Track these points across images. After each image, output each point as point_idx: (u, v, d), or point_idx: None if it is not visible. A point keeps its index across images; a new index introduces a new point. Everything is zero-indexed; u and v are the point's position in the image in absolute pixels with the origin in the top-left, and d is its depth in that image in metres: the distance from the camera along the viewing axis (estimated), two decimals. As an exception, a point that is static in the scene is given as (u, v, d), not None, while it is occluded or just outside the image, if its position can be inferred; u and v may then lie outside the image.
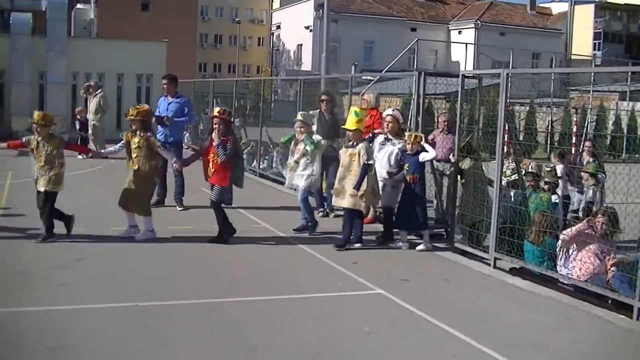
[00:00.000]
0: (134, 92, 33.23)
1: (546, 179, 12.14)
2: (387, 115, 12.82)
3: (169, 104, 15.06)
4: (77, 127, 24.79)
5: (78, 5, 46.36)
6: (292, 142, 12.98)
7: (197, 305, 8.53)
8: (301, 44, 76.22)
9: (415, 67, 53.78)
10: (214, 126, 11.68)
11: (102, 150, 13.63)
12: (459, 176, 12.05)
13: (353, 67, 44.43)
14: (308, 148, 12.48)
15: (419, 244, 11.94)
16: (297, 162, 12.70)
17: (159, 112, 15.02)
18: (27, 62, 30.97)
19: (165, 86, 15.20)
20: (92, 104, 24.44)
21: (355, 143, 11.74)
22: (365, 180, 11.48)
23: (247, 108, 28.50)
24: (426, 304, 8.78)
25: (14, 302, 8.35)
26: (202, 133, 27.55)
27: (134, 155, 11.60)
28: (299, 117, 12.97)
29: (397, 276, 10.15)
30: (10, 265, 9.89)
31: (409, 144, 11.87)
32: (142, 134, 11.58)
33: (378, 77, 22.38)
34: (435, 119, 18.73)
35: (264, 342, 7.36)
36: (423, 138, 12.00)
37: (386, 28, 72.43)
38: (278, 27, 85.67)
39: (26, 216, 12.83)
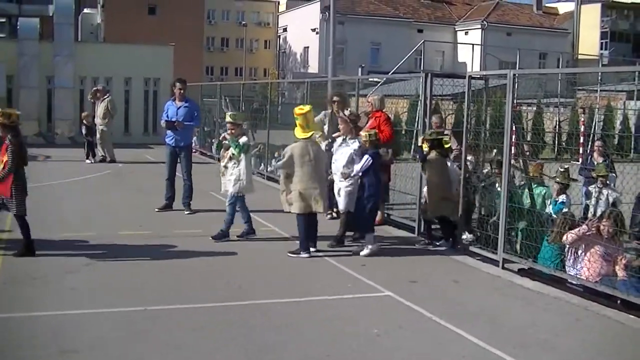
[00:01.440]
0: (142, 96, 33.32)
1: (557, 179, 12.12)
2: (340, 116, 12.76)
3: (178, 108, 15.04)
4: (84, 132, 24.82)
5: (85, 10, 46.48)
6: (223, 147, 12.70)
7: (206, 309, 8.56)
8: (308, 46, 76.27)
9: (422, 68, 53.80)
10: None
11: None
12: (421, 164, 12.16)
13: (360, 69, 44.42)
14: (234, 151, 12.20)
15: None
16: (225, 167, 12.37)
17: (168, 116, 15.01)
18: (34, 67, 31.07)
19: (181, 90, 15.18)
20: (100, 109, 24.47)
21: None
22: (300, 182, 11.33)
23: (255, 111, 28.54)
24: (435, 305, 8.79)
25: (26, 306, 8.39)
26: (209, 136, 27.63)
27: None
28: (228, 117, 12.67)
29: (405, 278, 10.16)
30: (21, 270, 9.92)
31: (363, 142, 11.74)
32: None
33: (385, 78, 22.42)
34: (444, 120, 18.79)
35: (273, 345, 7.37)
36: (377, 137, 11.88)
37: (392, 29, 72.42)
38: (284, 29, 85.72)
39: (36, 222, 12.87)
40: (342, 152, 12.06)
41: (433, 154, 12.00)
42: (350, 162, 11.86)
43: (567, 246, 9.78)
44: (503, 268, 10.65)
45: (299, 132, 11.47)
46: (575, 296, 9.29)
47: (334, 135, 13.03)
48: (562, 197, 11.88)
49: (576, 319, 8.52)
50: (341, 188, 11.94)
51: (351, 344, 7.46)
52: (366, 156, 11.50)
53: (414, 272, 10.56)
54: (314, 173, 11.41)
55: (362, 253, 11.47)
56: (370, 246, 11.52)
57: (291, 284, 9.81)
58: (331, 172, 12.34)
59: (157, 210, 14.36)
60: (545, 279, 9.96)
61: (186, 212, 14.63)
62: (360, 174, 11.54)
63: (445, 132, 13.26)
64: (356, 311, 8.68)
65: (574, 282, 9.61)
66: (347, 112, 13.01)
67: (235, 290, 9.40)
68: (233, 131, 12.33)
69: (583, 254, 9.58)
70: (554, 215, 11.41)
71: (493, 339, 7.61)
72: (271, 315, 8.35)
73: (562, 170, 12.09)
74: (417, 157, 12.09)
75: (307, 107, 11.80)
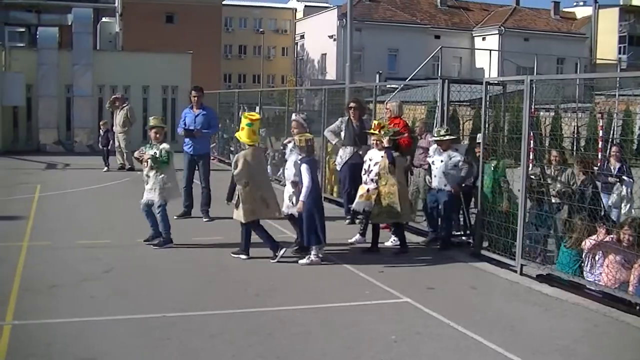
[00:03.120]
0: (160, 104, 33.44)
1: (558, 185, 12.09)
2: (292, 120, 12.61)
3: (195, 116, 15.07)
4: (100, 140, 24.91)
5: (103, 19, 46.63)
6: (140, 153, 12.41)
7: (224, 316, 8.58)
8: (325, 53, 76.31)
9: (439, 74, 53.76)
10: None
11: None
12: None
13: (377, 76, 44.40)
14: (153, 160, 12.01)
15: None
16: (147, 175, 12.17)
17: (186, 124, 15.04)
18: (53, 76, 31.29)
19: (196, 98, 15.21)
20: (119, 117, 24.56)
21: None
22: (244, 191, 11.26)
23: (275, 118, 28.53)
24: (453, 311, 8.78)
25: (43, 314, 8.44)
26: (227, 143, 27.66)
27: None
28: (152, 121, 12.50)
29: (423, 284, 10.15)
30: (40, 277, 9.99)
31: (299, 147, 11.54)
32: None
33: (402, 85, 22.34)
34: (461, 126, 18.76)
35: (291, 352, 7.39)
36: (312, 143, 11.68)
37: (410, 36, 72.33)
38: (302, 36, 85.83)
39: (54, 229, 12.97)
40: (292, 159, 11.98)
41: (397, 155, 11.93)
42: (293, 169, 11.83)
43: (585, 252, 9.74)
44: (521, 274, 10.62)
45: (250, 138, 11.44)
46: (594, 302, 9.25)
47: (284, 142, 12.93)
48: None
49: (595, 325, 8.49)
50: (292, 195, 11.81)
51: (369, 350, 7.46)
52: (304, 165, 11.30)
53: (431, 278, 10.55)
54: (267, 178, 11.73)
55: (300, 262, 11.31)
56: (312, 257, 11.34)
57: (309, 291, 9.83)
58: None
59: (175, 217, 14.43)
60: (564, 285, 9.92)
61: (204, 220, 14.66)
62: (309, 185, 11.27)
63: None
64: (374, 317, 8.67)
65: (592, 288, 9.57)
66: (297, 116, 12.75)
67: (252, 297, 9.42)
68: (158, 136, 12.26)
69: (601, 259, 9.54)
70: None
71: (512, 346, 7.59)
72: (289, 322, 8.38)
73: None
74: (387, 160, 11.83)
75: (258, 116, 12.09)
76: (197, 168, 15.05)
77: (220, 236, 12.87)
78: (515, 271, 10.72)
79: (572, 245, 10.10)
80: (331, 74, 71.71)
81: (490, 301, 9.51)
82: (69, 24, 37.48)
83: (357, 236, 12.85)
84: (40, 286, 9.58)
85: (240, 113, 24.17)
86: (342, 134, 14.58)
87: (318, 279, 10.41)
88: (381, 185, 11.83)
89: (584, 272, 9.81)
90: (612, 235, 9.53)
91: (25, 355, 7.10)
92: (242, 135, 11.49)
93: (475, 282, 10.37)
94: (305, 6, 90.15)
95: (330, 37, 73.18)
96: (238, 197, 11.36)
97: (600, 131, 25.68)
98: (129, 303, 9.01)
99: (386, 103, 15.72)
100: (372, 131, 12.27)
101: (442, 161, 12.31)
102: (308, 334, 7.99)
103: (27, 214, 14.71)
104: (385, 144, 11.86)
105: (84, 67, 31.67)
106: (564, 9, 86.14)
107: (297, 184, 11.60)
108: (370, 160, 12.20)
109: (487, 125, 12.04)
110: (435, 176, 12.43)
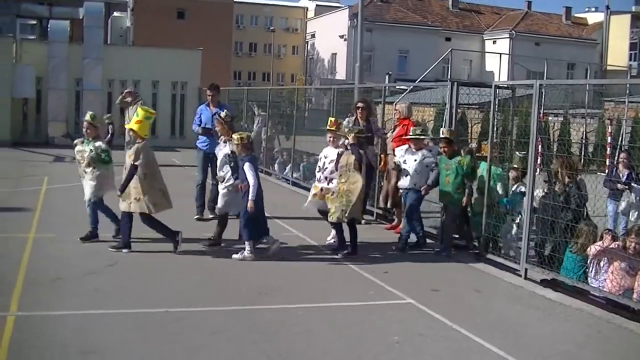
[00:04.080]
0: (169, 100, 33.46)
1: (514, 165, 12.11)
2: (215, 119, 12.54)
3: (212, 114, 14.80)
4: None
5: (115, 13, 46.74)
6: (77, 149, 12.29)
7: (227, 313, 8.60)
8: (335, 53, 76.33)
9: (449, 76, 53.77)
10: None
11: None
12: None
13: (387, 77, 44.51)
14: (92, 155, 11.87)
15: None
16: (85, 172, 12.06)
17: (203, 122, 14.87)
18: (64, 69, 31.33)
19: (212, 96, 15.13)
20: (132, 112, 24.48)
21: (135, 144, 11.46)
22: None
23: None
24: (456, 314, 8.78)
25: (47, 306, 8.47)
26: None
27: None
28: (87, 117, 12.36)
29: (427, 286, 10.15)
30: (44, 270, 10.02)
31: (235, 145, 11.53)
32: None
33: (412, 86, 22.38)
34: (469, 129, 18.73)
35: (293, 350, 7.41)
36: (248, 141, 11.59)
37: (420, 37, 72.33)
38: (313, 35, 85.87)
39: (59, 221, 13.00)
40: (221, 153, 12.01)
41: (360, 153, 11.79)
42: (224, 164, 11.84)
43: (590, 258, 9.72)
44: (525, 278, 10.60)
45: (146, 131, 11.48)
46: (597, 308, 9.23)
47: (218, 140, 12.68)
48: (521, 187, 11.80)
49: (597, 331, 8.48)
50: (219, 190, 11.91)
51: (371, 350, 7.47)
52: (246, 164, 11.26)
53: (436, 280, 10.55)
54: (159, 171, 11.60)
55: (234, 256, 11.29)
56: (246, 252, 11.30)
57: (313, 290, 9.84)
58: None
59: (196, 218, 14.37)
60: (568, 290, 9.91)
61: (210, 216, 14.60)
62: (248, 181, 11.23)
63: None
64: (377, 318, 8.68)
65: (596, 294, 9.55)
66: (222, 112, 12.70)
67: (256, 294, 9.43)
68: (89, 131, 12.14)
69: (606, 266, 9.52)
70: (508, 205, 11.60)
71: (514, 349, 7.59)
72: (292, 321, 8.40)
73: (520, 156, 12.00)
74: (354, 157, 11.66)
75: (154, 112, 12.17)
76: (210, 165, 14.87)
77: (224, 233, 12.87)
78: (520, 275, 10.70)
79: (577, 250, 10.08)
80: (341, 73, 71.73)
81: (493, 304, 9.51)
82: (80, 17, 37.58)
83: (332, 233, 12.56)
84: (44, 279, 9.61)
85: (254, 110, 24.21)
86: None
87: (323, 279, 10.42)
88: (340, 182, 11.66)
89: (589, 278, 9.79)
90: (617, 242, 9.52)
91: (28, 346, 7.13)
92: (139, 127, 11.40)
93: (480, 285, 10.36)
94: (317, 5, 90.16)
95: (341, 37, 73.20)
96: (131, 189, 11.24)
97: (609, 137, 25.65)
98: (132, 297, 9.02)
99: (395, 104, 15.73)
100: (329, 127, 12.27)
101: (415, 160, 12.30)
102: (310, 332, 8.00)
103: (33, 206, 14.75)
104: (351, 141, 11.79)
105: (94, 61, 31.72)
106: (576, 15, 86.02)
107: (223, 179, 11.83)
108: (325, 157, 12.16)
109: (495, 129, 12.02)
110: (406, 175, 12.42)
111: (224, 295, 9.35)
